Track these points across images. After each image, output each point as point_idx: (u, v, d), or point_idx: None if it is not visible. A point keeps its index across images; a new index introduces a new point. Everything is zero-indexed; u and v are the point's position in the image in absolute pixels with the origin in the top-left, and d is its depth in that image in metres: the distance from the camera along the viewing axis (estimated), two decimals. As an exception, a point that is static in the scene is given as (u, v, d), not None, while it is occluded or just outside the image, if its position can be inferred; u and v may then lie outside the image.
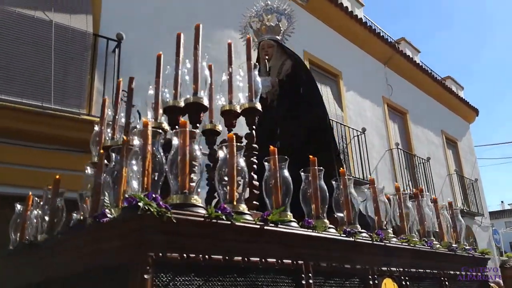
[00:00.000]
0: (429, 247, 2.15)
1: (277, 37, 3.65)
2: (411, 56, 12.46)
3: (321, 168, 1.70)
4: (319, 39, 9.07)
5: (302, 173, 1.72)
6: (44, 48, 5.22)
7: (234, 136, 1.47)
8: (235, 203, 1.35)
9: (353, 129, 9.13)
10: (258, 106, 1.91)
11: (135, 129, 1.59)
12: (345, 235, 1.68)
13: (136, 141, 1.32)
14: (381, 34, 11.16)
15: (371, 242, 1.78)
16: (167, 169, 1.30)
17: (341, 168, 1.94)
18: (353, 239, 1.69)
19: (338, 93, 9.54)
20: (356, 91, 10.01)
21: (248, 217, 1.34)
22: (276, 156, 1.57)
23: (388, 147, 10.42)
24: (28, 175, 4.56)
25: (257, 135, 2.01)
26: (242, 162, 1.46)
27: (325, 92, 9.05)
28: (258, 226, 1.35)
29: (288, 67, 3.50)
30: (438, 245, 2.25)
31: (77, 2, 5.79)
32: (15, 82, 4.96)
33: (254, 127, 1.96)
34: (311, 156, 1.69)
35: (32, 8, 5.32)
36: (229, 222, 1.25)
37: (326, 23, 9.55)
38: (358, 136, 9.05)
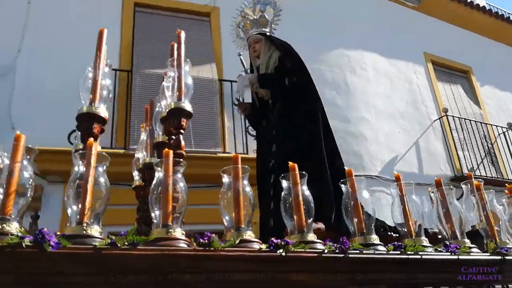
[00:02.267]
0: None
1: (264, 29, 3.32)
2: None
3: (304, 173, 1.52)
4: (440, 38, 8.58)
5: (283, 180, 1.54)
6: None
7: (170, 152, 1.37)
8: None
9: (496, 126, 8.27)
10: (187, 107, 1.71)
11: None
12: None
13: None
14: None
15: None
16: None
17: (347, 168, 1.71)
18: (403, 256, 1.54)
19: (471, 90, 8.83)
20: (493, 84, 9.13)
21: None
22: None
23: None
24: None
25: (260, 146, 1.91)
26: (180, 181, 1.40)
27: (456, 90, 8.44)
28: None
29: (275, 60, 3.15)
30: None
31: (203, 54, 6.46)
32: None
33: (181, 131, 1.73)
34: (290, 163, 1.52)
35: (165, 67, 6.08)
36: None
37: (445, 20, 9.03)
38: (504, 133, 8.15)
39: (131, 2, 6.37)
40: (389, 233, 2.29)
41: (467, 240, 1.73)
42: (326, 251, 1.37)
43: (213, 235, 1.25)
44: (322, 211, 2.37)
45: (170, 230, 1.25)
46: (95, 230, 1.18)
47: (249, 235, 1.34)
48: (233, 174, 1.42)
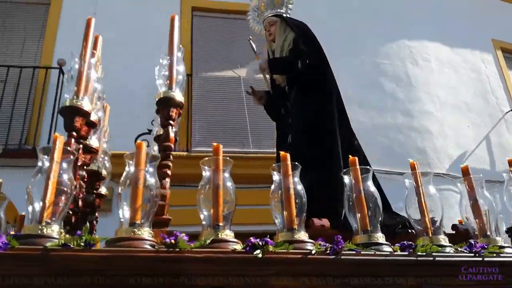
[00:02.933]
0: None
1: (280, 10, 3.10)
2: None
3: (297, 164, 1.39)
4: (509, 23, 7.99)
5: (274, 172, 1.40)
6: (236, 101, 6.00)
7: (143, 144, 1.29)
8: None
9: None
10: (177, 96, 1.60)
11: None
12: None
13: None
14: None
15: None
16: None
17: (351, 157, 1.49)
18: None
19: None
20: None
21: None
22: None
23: None
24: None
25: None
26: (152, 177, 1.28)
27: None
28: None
29: (290, 42, 2.90)
30: None
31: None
32: (217, 134, 5.82)
33: (171, 122, 1.61)
34: (282, 152, 1.41)
35: (222, 69, 6.23)
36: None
37: (515, 3, 8.38)
38: None
39: (189, 7, 6.55)
40: (410, 231, 2.04)
41: (499, 238, 1.48)
42: (313, 252, 1.22)
43: (182, 234, 1.16)
44: (330, 205, 2.21)
45: (134, 230, 1.15)
46: (52, 230, 1.12)
47: (226, 234, 1.21)
48: (213, 166, 1.30)
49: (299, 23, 3.04)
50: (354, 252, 1.27)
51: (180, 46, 1.67)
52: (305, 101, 2.70)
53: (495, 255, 1.37)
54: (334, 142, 2.53)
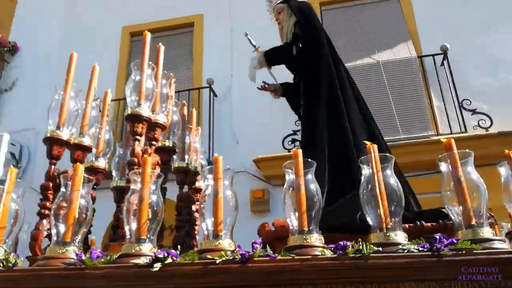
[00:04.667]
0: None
1: None
2: None
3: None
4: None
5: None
6: (378, 88, 5.77)
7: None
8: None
9: None
10: (144, 112, 1.59)
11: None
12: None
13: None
14: None
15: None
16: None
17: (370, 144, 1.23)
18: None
19: None
20: None
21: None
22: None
23: None
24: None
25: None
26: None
27: None
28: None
29: (292, 27, 2.63)
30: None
31: (396, 34, 6.16)
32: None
33: (137, 137, 1.60)
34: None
35: (357, 58, 6.05)
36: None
37: None
38: None
39: (317, 2, 6.54)
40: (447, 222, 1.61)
41: (487, 229, 1.12)
42: (217, 261, 1.11)
43: (97, 250, 1.19)
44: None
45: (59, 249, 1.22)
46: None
47: (142, 248, 1.18)
48: (142, 178, 1.26)
49: (300, 5, 2.82)
50: (265, 258, 1.13)
51: (150, 63, 1.70)
52: (306, 93, 2.48)
53: (463, 252, 1.06)
54: (318, 139, 2.24)
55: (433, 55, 5.70)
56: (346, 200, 1.83)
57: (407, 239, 1.14)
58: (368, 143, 1.25)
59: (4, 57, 6.92)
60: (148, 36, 1.70)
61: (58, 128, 1.60)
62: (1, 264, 1.21)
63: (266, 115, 5.61)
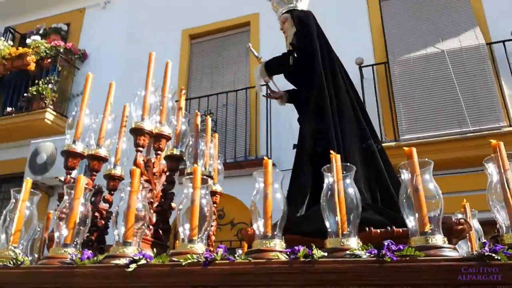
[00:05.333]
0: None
1: (290, 5, 2.85)
2: None
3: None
4: None
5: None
6: (443, 78, 5.46)
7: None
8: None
9: None
10: (146, 126, 1.78)
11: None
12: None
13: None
14: None
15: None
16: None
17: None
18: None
19: None
20: None
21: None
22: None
23: None
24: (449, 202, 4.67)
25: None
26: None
27: None
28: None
29: (292, 37, 2.68)
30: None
31: (461, 21, 5.78)
32: (427, 118, 5.39)
33: (139, 148, 1.78)
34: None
35: (420, 47, 5.75)
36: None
37: None
38: None
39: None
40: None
41: (439, 237, 1.13)
42: (183, 263, 1.22)
43: (89, 252, 1.36)
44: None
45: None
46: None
47: (125, 250, 1.33)
48: (130, 188, 1.41)
49: (301, 14, 2.84)
50: (227, 262, 1.22)
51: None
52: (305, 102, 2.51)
53: (406, 259, 1.08)
54: (301, 149, 2.32)
55: (503, 41, 5.27)
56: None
57: (359, 245, 1.17)
58: (332, 152, 1.30)
59: (75, 64, 7.55)
60: (153, 55, 1.87)
61: (74, 142, 1.80)
62: (12, 262, 1.41)
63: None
